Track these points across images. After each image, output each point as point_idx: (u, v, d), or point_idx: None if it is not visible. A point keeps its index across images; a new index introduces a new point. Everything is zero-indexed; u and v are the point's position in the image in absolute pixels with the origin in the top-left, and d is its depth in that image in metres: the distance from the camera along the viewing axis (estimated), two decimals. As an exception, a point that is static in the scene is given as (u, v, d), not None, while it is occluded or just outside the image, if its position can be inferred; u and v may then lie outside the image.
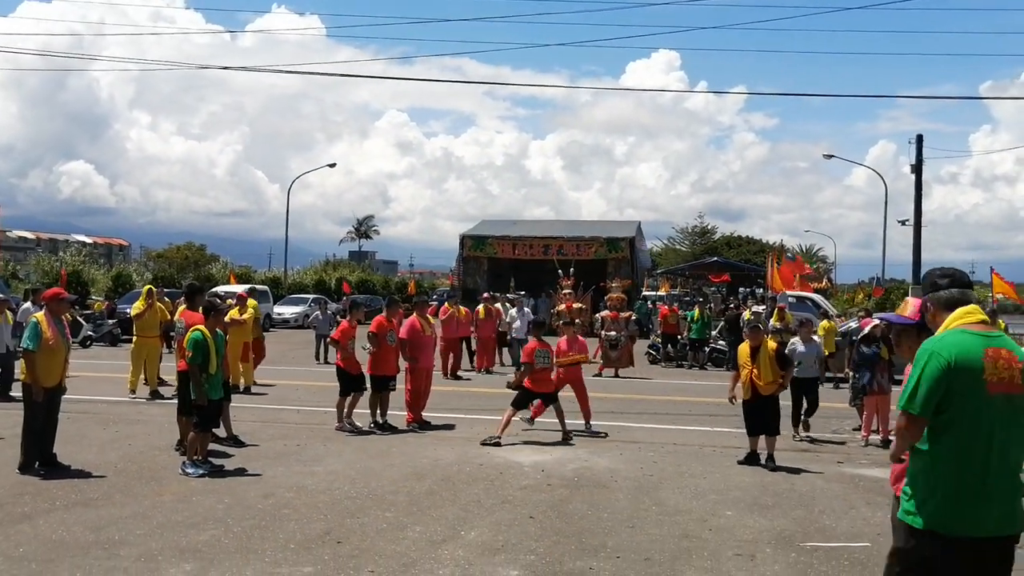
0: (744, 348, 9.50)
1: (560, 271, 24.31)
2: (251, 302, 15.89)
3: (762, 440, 9.28)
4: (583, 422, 11.14)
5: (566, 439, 10.34)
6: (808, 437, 11.05)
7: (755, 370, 9.25)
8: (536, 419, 10.88)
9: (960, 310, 3.54)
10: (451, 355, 18.18)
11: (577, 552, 6.08)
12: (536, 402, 10.66)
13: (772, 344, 9.57)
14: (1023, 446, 3.39)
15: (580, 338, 11.88)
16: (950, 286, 3.63)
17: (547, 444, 10.19)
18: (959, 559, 3.28)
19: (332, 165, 50.11)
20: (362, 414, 11.21)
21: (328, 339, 12.89)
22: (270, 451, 9.48)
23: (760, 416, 9.24)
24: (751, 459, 9.24)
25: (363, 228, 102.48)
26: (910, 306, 4.27)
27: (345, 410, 10.99)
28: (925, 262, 31.34)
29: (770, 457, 9.14)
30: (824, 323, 18.70)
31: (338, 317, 21.69)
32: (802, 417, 11.13)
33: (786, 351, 10.29)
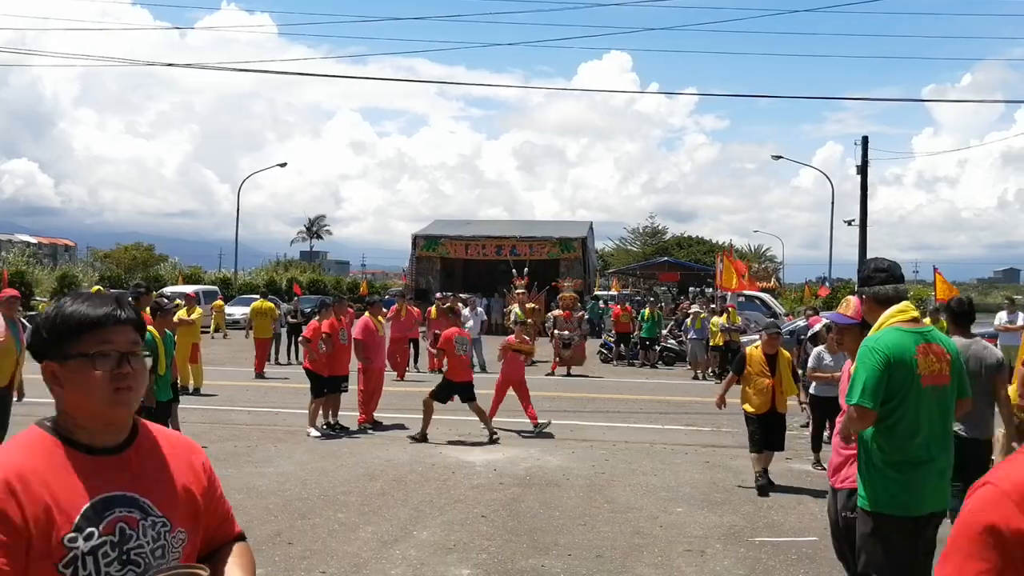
0: (757, 355, 8.29)
1: (514, 270, 24.36)
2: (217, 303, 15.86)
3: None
4: (530, 424, 11.11)
5: (492, 439, 10.19)
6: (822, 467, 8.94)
7: (774, 382, 8.18)
8: (488, 420, 10.84)
9: (894, 308, 3.79)
10: (397, 355, 18.15)
11: (529, 550, 6.07)
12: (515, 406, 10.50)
13: (787, 353, 8.47)
14: (948, 434, 3.75)
15: (526, 338, 11.87)
16: (885, 281, 3.86)
17: (499, 444, 10.17)
18: (907, 536, 3.63)
19: (283, 165, 49.36)
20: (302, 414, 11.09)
21: (300, 339, 12.75)
22: (220, 452, 9.31)
23: (773, 431, 8.22)
24: (767, 483, 8.10)
25: (315, 228, 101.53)
26: (852, 306, 4.38)
27: (320, 412, 10.87)
28: (869, 262, 32.08)
29: (765, 472, 8.17)
30: (715, 319, 19.16)
31: (288, 318, 21.35)
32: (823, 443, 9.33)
33: (810, 363, 9.27)
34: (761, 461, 8.19)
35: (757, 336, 19.68)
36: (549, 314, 21.90)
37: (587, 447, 10.08)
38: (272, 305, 18.71)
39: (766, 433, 8.17)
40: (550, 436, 10.78)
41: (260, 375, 17.58)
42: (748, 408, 8.26)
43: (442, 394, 10.44)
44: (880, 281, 3.85)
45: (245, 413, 12.30)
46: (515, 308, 20.96)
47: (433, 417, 10.37)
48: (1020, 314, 17.48)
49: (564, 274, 31.04)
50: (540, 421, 10.98)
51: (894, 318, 3.73)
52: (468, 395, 10.48)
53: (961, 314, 5.84)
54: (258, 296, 22.77)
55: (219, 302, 32.52)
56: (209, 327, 29.60)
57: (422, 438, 10.07)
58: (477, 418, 10.57)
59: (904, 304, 3.79)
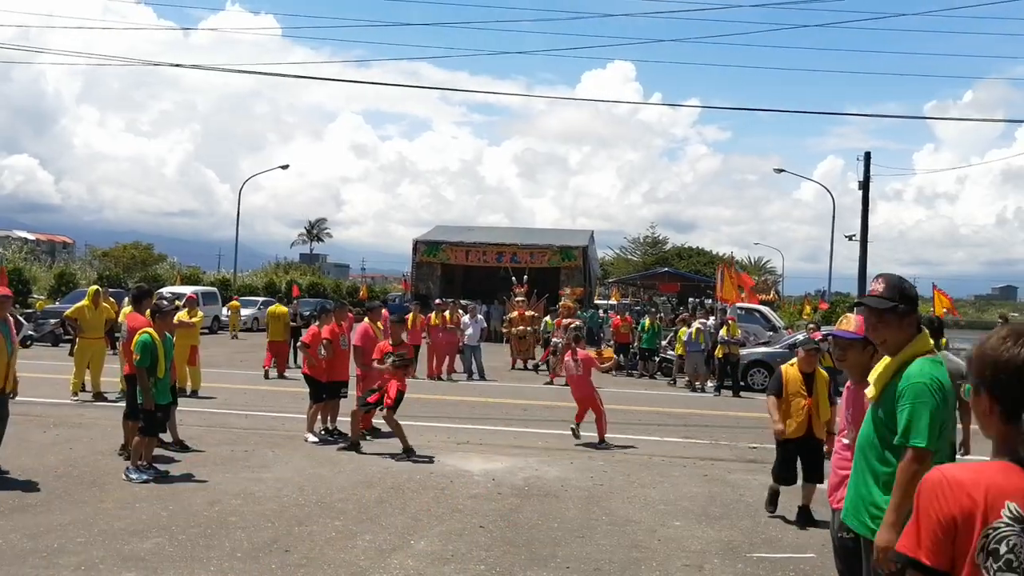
0: (793, 374, 7.60)
1: (514, 278, 24.41)
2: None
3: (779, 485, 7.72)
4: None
5: (407, 453, 9.74)
6: None
7: (811, 402, 7.50)
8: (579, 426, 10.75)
9: (925, 337, 3.63)
10: (435, 358, 19.10)
11: (527, 562, 6.07)
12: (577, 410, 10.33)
13: (825, 373, 7.76)
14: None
15: (583, 352, 11.37)
16: (914, 304, 3.69)
17: (498, 453, 10.16)
18: None
19: (285, 167, 49.41)
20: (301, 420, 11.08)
21: (299, 344, 12.80)
22: (217, 457, 9.31)
23: (809, 459, 7.48)
24: (775, 500, 7.72)
25: (315, 231, 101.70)
26: (854, 322, 4.38)
27: (319, 417, 10.85)
28: (870, 276, 32.10)
29: (806, 509, 7.50)
30: (683, 330, 19.65)
31: (289, 321, 21.38)
32: None
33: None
34: (803, 496, 7.50)
35: (757, 349, 19.72)
36: (544, 322, 22.01)
37: (586, 458, 10.07)
38: (285, 309, 18.84)
39: (803, 459, 7.49)
40: (543, 446, 10.78)
41: (267, 374, 17.73)
42: (779, 428, 7.48)
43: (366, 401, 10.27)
44: (911, 305, 3.66)
45: (243, 417, 12.29)
46: (547, 319, 20.98)
47: (433, 424, 10.35)
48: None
49: (564, 282, 31.08)
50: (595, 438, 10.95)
51: (927, 347, 3.58)
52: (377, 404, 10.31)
53: (932, 330, 5.92)
54: (274, 300, 22.94)
55: (235, 303, 32.68)
56: (208, 328, 29.61)
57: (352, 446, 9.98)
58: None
59: (925, 332, 3.67)
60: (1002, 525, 1.81)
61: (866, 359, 4.36)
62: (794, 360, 7.79)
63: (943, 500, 1.87)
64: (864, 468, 3.69)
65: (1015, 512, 1.81)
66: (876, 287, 3.65)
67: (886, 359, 3.64)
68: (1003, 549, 1.80)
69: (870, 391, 3.66)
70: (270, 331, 18.45)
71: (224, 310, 34.38)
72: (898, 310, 3.57)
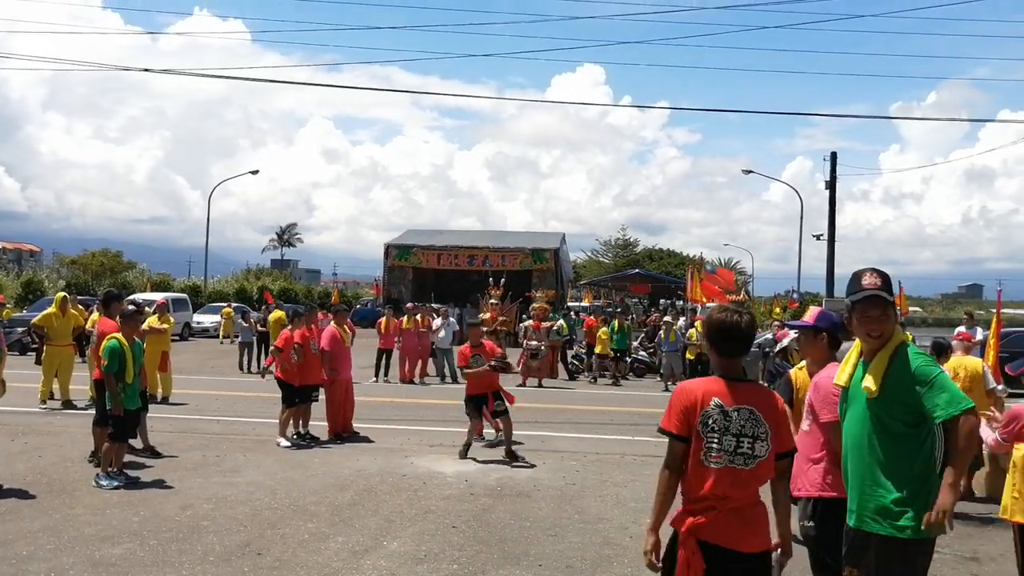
0: (804, 379, 6.75)
1: (491, 279, 24.40)
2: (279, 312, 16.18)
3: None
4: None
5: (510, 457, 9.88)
6: None
7: None
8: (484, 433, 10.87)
9: (900, 329, 3.78)
10: (407, 362, 19.23)
11: (499, 561, 6.10)
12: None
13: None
14: None
15: (488, 343, 11.41)
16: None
17: (470, 455, 10.17)
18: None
19: (255, 172, 49.11)
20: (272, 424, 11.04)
21: (271, 348, 12.72)
22: (188, 462, 9.26)
23: None
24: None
25: (286, 236, 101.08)
26: (808, 313, 4.62)
27: (292, 422, 10.81)
28: (838, 276, 32.49)
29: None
30: (603, 329, 20.40)
31: (258, 326, 21.29)
32: None
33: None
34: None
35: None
36: (520, 325, 22.00)
37: (558, 458, 10.12)
38: (282, 314, 18.65)
39: None
40: (515, 447, 10.82)
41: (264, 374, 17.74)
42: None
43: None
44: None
45: (214, 422, 12.21)
46: (527, 323, 20.98)
47: (405, 427, 10.36)
48: (978, 328, 17.82)
49: (536, 285, 31.13)
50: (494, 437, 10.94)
51: (903, 336, 3.75)
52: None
53: None
54: (245, 306, 22.70)
55: (229, 310, 32.56)
56: (179, 335, 29.36)
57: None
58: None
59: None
60: (710, 409, 3.41)
61: (821, 348, 4.51)
62: (802, 364, 7.29)
63: (682, 397, 3.49)
64: (869, 468, 3.64)
65: (717, 403, 3.42)
66: (875, 280, 3.71)
67: (882, 353, 3.67)
68: (710, 422, 3.40)
69: (870, 385, 3.64)
70: (273, 337, 18.31)
71: (217, 317, 34.35)
72: (892, 304, 3.73)
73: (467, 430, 10.18)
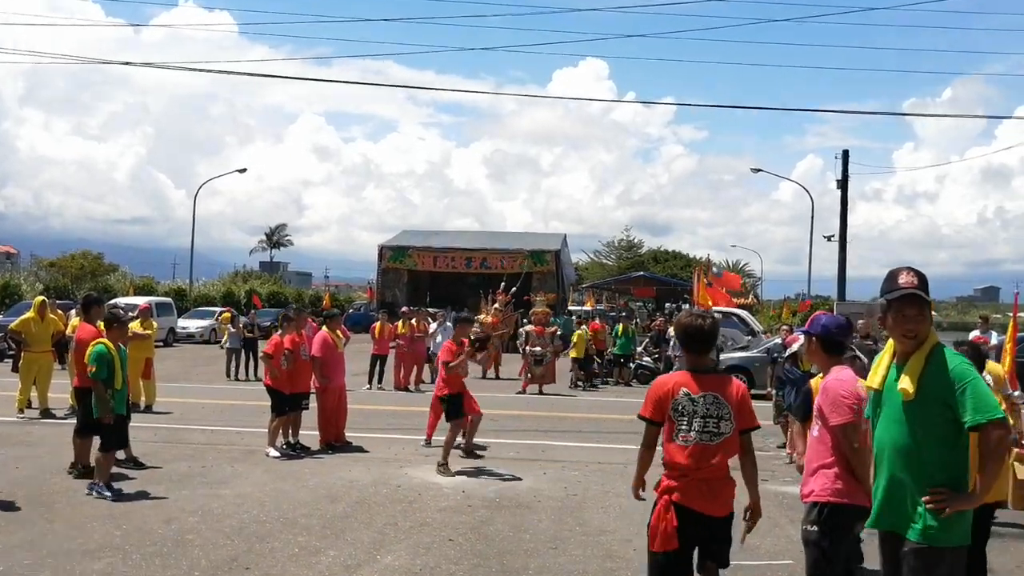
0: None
1: (503, 283, 24.41)
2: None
3: None
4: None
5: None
6: None
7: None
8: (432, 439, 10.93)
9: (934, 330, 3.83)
10: (402, 368, 19.30)
11: (498, 574, 6.11)
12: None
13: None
14: None
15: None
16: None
17: (468, 465, 10.19)
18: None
19: (242, 170, 49.17)
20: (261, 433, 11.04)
21: (261, 355, 12.71)
22: (173, 473, 9.26)
23: None
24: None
25: (275, 238, 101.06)
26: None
27: (281, 431, 10.80)
28: (850, 278, 32.57)
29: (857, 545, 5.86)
30: (577, 332, 20.59)
31: (246, 332, 21.28)
32: None
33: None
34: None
35: (735, 354, 19.77)
36: (521, 330, 21.96)
37: (559, 468, 10.13)
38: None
39: None
40: (514, 457, 10.82)
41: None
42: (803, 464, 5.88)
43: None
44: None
45: (200, 432, 12.21)
46: (527, 328, 21.00)
47: (400, 436, 10.37)
48: (993, 333, 17.84)
49: (536, 288, 31.15)
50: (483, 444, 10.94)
51: (936, 337, 3.78)
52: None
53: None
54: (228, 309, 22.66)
55: (227, 314, 32.65)
56: (163, 341, 29.38)
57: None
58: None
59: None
60: (679, 398, 4.38)
61: (816, 353, 4.68)
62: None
63: (657, 389, 4.49)
64: (904, 471, 3.64)
65: (685, 392, 4.38)
66: (912, 279, 3.73)
67: (917, 354, 3.66)
68: (679, 407, 4.37)
69: (906, 387, 3.61)
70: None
71: (212, 321, 34.48)
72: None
73: (445, 439, 10.00)
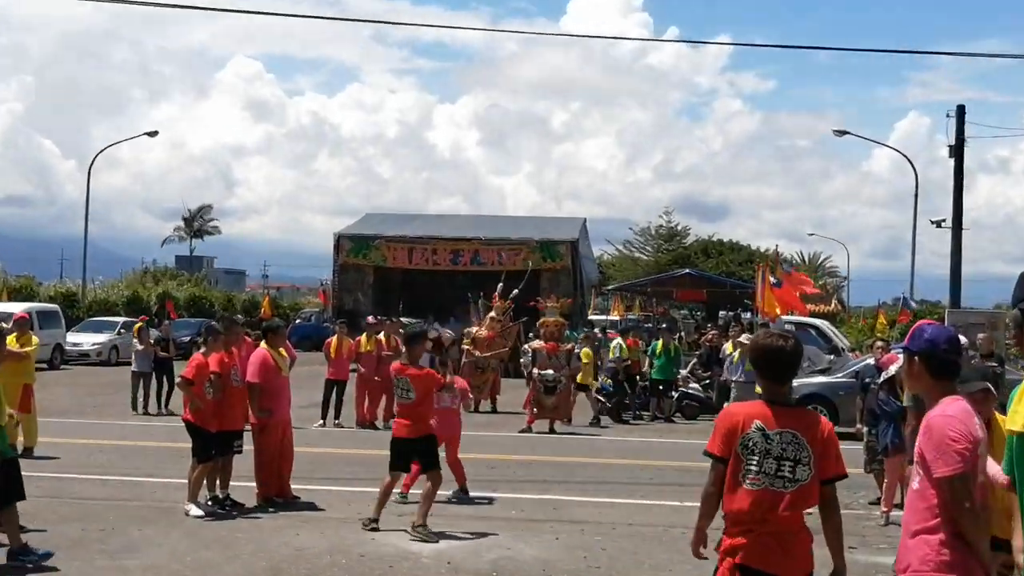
0: None
1: (501, 284, 24.19)
2: None
3: None
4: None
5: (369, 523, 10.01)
6: None
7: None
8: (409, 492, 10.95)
9: None
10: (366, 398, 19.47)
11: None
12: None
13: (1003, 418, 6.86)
14: None
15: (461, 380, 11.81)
16: None
17: (455, 526, 10.19)
18: None
19: (153, 134, 49.25)
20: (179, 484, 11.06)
21: (178, 380, 12.67)
22: (61, 539, 9.26)
23: None
24: None
25: (197, 224, 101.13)
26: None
27: (206, 482, 10.82)
28: (966, 278, 32.36)
29: None
30: (584, 350, 20.58)
31: (158, 350, 21.21)
32: None
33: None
34: None
35: (813, 379, 19.77)
36: (526, 346, 21.82)
37: (576, 531, 10.14)
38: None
39: None
40: (518, 516, 10.83)
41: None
42: None
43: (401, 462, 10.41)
44: None
45: (98, 484, 12.23)
46: (533, 344, 20.97)
47: (364, 489, 10.37)
48: None
49: (547, 291, 31.11)
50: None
51: None
52: (429, 461, 10.45)
53: None
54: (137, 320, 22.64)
55: (141, 324, 32.73)
56: (47, 362, 29.36)
57: (372, 527, 9.92)
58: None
59: None
60: (751, 432, 4.66)
61: (919, 378, 4.51)
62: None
63: (726, 420, 4.82)
64: None
65: (758, 426, 4.65)
66: None
67: None
68: (750, 444, 4.65)
69: None
70: None
71: (113, 335, 34.87)
72: None
73: (423, 492, 10.02)
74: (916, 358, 4.62)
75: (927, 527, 4.36)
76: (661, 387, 21.83)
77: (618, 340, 22.27)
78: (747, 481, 4.63)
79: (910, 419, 10.86)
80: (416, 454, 10.22)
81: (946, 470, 4.19)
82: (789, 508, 4.62)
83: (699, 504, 4.92)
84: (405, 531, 9.73)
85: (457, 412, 11.86)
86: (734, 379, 19.37)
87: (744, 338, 20.64)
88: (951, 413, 4.31)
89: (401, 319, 24.29)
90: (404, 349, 10.87)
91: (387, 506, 10.98)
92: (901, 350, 5.04)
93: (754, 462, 4.62)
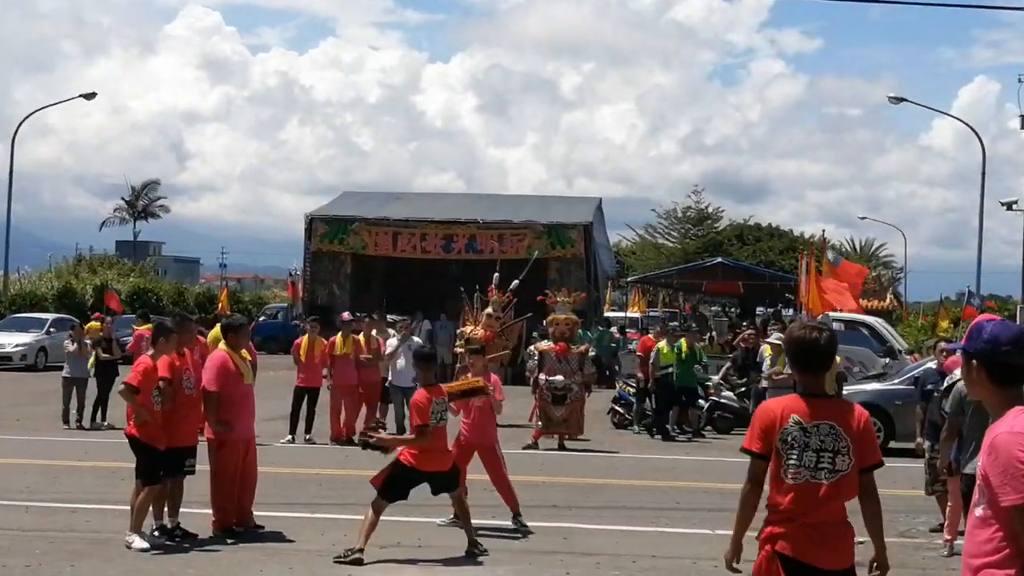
0: None
1: (496, 274, 23.97)
2: None
3: None
4: (510, 514, 11.28)
5: (472, 550, 10.31)
6: None
7: None
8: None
9: None
10: (343, 408, 19.43)
11: None
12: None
13: None
14: None
15: (494, 375, 11.92)
16: None
17: (448, 562, 10.19)
18: None
19: (90, 96, 49.19)
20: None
21: (120, 388, 12.62)
22: (-17, 575, 9.28)
23: None
24: None
25: (142, 203, 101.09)
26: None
27: (152, 509, 10.81)
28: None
29: None
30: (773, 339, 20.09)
31: (99, 351, 21.22)
32: None
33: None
34: None
35: (865, 386, 19.87)
36: (532, 348, 21.78)
37: (591, 565, 10.15)
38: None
39: None
40: (522, 547, 10.84)
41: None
42: None
43: (398, 492, 10.47)
44: None
45: (22, 511, 12.22)
46: (535, 347, 20.87)
47: (340, 517, 10.37)
48: None
49: (556, 283, 31.09)
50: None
51: None
52: (449, 485, 10.62)
53: None
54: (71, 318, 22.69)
55: (95, 323, 32.84)
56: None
57: (353, 559, 9.94)
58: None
59: None
60: (788, 427, 5.31)
61: (978, 383, 4.41)
62: None
63: (763, 417, 5.48)
64: None
65: (795, 420, 5.30)
66: None
67: None
68: (788, 439, 5.30)
69: None
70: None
71: (40, 334, 34.95)
72: None
73: (366, 521, 10.07)
74: (974, 360, 4.55)
75: (992, 561, 4.32)
76: (683, 396, 21.72)
77: (663, 343, 22.13)
78: (788, 476, 5.25)
79: (948, 427, 10.96)
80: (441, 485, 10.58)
81: (1016, 497, 4.14)
82: (831, 499, 5.24)
83: (734, 516, 5.44)
84: (392, 563, 9.74)
85: (492, 415, 11.96)
86: (765, 383, 19.32)
87: (775, 338, 20.68)
88: (1020, 429, 4.22)
89: (386, 315, 24.22)
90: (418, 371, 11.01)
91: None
92: (959, 351, 4.84)
93: (793, 456, 5.25)
